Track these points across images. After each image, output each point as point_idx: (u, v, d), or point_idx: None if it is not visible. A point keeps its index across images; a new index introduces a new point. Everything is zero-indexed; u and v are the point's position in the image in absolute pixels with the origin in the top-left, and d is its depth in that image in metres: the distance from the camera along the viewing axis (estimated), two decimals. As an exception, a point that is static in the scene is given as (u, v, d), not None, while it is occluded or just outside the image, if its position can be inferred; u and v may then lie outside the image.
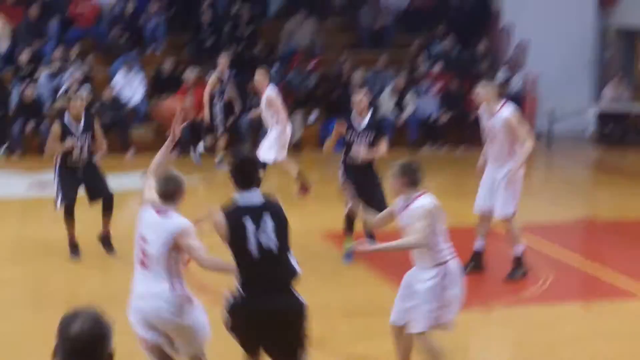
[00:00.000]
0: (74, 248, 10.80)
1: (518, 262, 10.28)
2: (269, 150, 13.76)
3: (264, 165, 13.42)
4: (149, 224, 6.31)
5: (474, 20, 21.39)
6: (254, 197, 6.00)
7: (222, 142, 16.43)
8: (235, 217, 5.90)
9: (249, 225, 5.86)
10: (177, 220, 6.29)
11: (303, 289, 6.11)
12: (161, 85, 18.38)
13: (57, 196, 10.63)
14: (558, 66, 20.52)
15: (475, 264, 10.37)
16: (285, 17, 20.68)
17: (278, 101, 13.87)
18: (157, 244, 6.22)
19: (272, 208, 6.00)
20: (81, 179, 10.73)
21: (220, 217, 5.93)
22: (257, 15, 20.73)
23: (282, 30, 20.31)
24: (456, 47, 20.70)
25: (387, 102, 19.02)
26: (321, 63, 19.83)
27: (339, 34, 21.36)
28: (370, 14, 21.02)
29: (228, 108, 16.59)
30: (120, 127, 17.60)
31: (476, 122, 18.67)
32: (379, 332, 7.63)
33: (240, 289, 5.92)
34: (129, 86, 18.19)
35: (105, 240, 10.91)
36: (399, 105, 19.02)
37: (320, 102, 18.65)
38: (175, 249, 6.24)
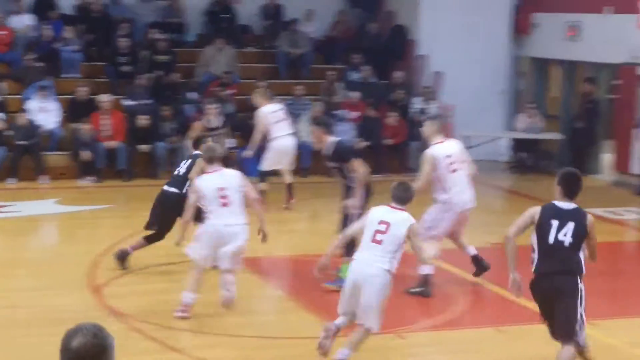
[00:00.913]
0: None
1: (424, 281, 10.49)
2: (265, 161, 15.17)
3: (265, 174, 15.16)
4: (224, 178, 9.42)
5: (391, 50, 21.61)
6: (568, 204, 7.67)
7: None
8: (548, 212, 7.65)
9: (554, 222, 7.56)
10: (236, 172, 9.63)
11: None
12: (77, 111, 18.18)
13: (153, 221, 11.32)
14: (473, 94, 20.84)
15: (478, 267, 11.16)
16: (204, 44, 20.64)
17: (260, 120, 15.09)
18: (236, 189, 9.39)
19: (577, 216, 7.62)
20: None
21: (536, 209, 7.69)
22: (175, 42, 20.67)
23: (200, 58, 20.27)
24: (373, 76, 20.88)
25: (304, 129, 19.04)
26: (239, 91, 19.82)
27: (256, 62, 21.39)
28: (288, 42, 21.09)
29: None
30: (35, 153, 17.36)
31: (391, 150, 19.06)
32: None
33: (537, 267, 7.68)
34: (44, 112, 17.96)
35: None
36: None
37: (237, 129, 18.59)
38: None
